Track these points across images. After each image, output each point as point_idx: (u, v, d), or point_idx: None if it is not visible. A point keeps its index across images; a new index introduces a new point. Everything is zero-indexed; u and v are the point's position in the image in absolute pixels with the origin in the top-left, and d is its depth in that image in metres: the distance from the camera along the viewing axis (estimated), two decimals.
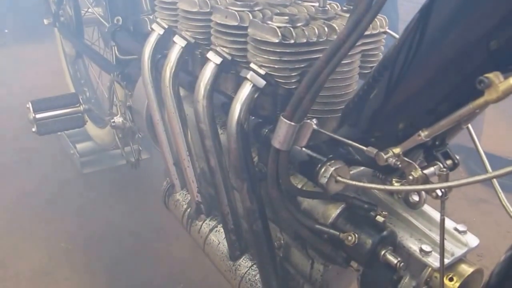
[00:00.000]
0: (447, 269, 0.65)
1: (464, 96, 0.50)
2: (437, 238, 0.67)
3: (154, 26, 0.97)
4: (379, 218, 0.66)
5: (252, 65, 0.70)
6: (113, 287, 1.36)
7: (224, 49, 0.77)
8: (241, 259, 0.86)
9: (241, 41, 0.75)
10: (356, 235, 0.63)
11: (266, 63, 0.69)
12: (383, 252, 0.64)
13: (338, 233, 0.64)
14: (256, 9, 0.76)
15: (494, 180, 0.60)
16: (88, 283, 1.38)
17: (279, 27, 0.67)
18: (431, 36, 0.52)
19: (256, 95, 0.70)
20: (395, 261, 0.63)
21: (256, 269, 0.83)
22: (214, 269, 1.15)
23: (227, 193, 0.83)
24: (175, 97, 0.90)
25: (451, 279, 0.67)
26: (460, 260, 0.67)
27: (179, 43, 0.88)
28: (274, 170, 0.63)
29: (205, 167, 0.88)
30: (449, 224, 0.69)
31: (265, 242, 0.76)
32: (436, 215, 0.70)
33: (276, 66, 0.69)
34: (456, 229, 0.69)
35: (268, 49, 0.68)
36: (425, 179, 0.56)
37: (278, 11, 0.74)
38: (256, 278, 0.83)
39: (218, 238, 0.91)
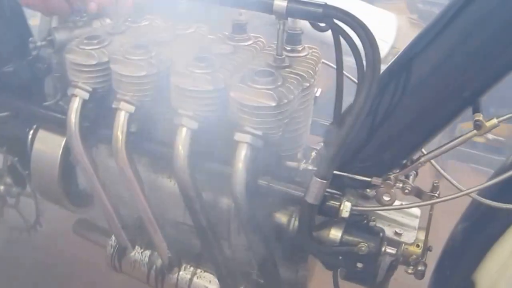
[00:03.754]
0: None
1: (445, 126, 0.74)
2: (404, 221, 0.93)
3: (77, 91, 0.92)
4: (372, 223, 0.87)
5: (248, 129, 0.79)
6: None
7: (198, 113, 0.83)
8: None
9: (214, 106, 0.82)
10: (366, 244, 0.83)
11: (262, 124, 0.79)
12: (383, 248, 0.86)
13: (353, 247, 0.83)
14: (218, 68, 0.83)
15: None
16: None
17: (273, 90, 0.77)
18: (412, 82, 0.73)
19: (256, 155, 0.80)
20: (394, 252, 0.86)
21: None
22: None
23: (218, 247, 0.91)
24: (131, 163, 0.90)
25: (417, 246, 0.94)
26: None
27: (125, 109, 0.88)
28: (307, 223, 0.77)
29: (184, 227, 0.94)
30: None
31: (275, 273, 0.90)
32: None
33: (272, 126, 0.79)
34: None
35: (266, 113, 0.78)
36: (418, 190, 0.79)
37: (255, 69, 0.82)
38: None
39: (205, 281, 0.99)
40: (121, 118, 0.88)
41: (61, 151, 1.07)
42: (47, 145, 1.09)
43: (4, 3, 1.14)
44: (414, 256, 0.88)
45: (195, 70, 0.83)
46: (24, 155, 1.17)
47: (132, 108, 0.88)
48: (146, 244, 1.05)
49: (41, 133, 1.10)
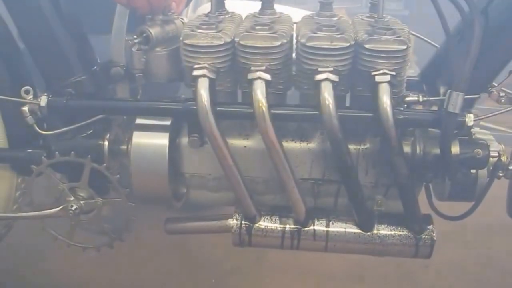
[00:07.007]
0: None
1: None
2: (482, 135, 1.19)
3: (204, 71, 1.03)
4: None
5: (385, 71, 1.00)
6: None
7: (337, 68, 1.01)
8: (375, 226, 1.15)
9: (350, 59, 1.03)
10: (480, 150, 1.08)
11: (394, 66, 1.00)
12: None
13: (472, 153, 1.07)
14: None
15: None
16: None
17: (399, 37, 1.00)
18: None
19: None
20: (496, 154, 1.11)
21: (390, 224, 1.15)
22: None
23: (359, 185, 1.09)
24: (274, 128, 1.03)
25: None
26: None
27: (263, 77, 1.02)
28: (451, 133, 1.00)
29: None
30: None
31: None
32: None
33: (401, 66, 1.01)
34: None
35: (399, 55, 1.00)
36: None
37: (376, 26, 1.04)
38: (392, 228, 1.15)
39: (340, 227, 1.15)
40: (260, 87, 1.02)
41: (167, 145, 1.15)
42: (151, 142, 1.15)
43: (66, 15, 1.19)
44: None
45: (326, 33, 1.02)
46: (111, 160, 1.22)
47: (268, 76, 1.03)
48: (271, 210, 1.18)
49: (139, 132, 1.16)
